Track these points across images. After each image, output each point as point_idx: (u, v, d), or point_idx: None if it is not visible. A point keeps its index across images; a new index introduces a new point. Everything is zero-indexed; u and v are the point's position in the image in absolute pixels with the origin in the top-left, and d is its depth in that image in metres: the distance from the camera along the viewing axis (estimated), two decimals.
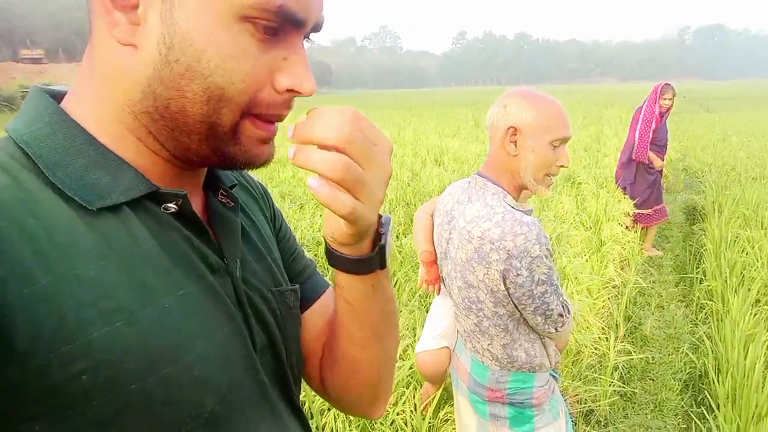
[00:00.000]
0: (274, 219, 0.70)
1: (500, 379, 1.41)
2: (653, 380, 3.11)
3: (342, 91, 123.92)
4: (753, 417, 2.38)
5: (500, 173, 1.38)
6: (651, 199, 5.29)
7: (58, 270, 0.39)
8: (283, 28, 0.47)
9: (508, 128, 1.32)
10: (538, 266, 1.25)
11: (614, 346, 3.07)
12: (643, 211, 5.28)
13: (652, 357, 3.32)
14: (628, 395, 2.93)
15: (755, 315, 3.30)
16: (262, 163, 0.52)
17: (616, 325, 3.46)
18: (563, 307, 1.34)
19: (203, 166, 0.54)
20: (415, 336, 2.95)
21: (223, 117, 0.47)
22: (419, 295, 3.44)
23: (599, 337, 3.17)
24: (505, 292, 1.29)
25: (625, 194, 5.46)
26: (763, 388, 2.51)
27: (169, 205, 0.49)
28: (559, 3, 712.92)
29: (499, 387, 1.41)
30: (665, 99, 4.98)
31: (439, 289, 1.59)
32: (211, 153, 0.49)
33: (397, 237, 4.81)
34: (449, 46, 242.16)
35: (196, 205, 0.54)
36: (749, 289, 3.68)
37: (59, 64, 56.49)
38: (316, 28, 0.51)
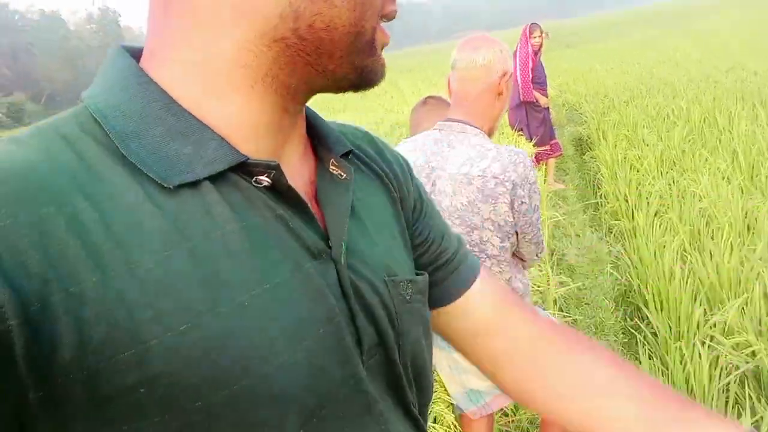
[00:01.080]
0: (409, 198, 0.59)
1: None
2: (588, 305, 3.30)
3: None
4: (681, 315, 2.60)
5: (478, 117, 1.42)
6: (545, 136, 5.56)
7: (111, 264, 0.33)
8: None
9: (507, 72, 1.40)
10: (535, 192, 1.35)
11: (552, 281, 3.22)
12: (542, 149, 5.55)
13: (583, 283, 3.52)
14: (570, 323, 3.10)
15: (661, 225, 3.60)
16: (383, 74, 0.47)
17: (547, 260, 3.63)
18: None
19: (325, 90, 0.46)
20: None
21: (367, 24, 0.43)
22: None
23: (538, 274, 3.31)
24: (512, 223, 1.36)
25: (522, 135, 5.71)
26: (684, 287, 2.74)
27: (261, 178, 0.41)
28: None
29: None
30: (534, 38, 5.24)
31: None
32: (350, 69, 0.44)
33: None
34: None
35: (304, 174, 0.48)
36: (648, 203, 4.00)
37: None
38: None
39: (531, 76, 5.30)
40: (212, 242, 0.37)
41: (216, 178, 0.39)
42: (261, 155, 0.42)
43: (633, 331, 2.83)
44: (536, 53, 5.31)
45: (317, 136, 0.51)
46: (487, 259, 1.42)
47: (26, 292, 0.30)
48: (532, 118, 5.56)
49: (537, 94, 5.40)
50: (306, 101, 0.47)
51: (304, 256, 0.42)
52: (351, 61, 0.44)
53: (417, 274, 0.55)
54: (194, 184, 0.38)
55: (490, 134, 1.45)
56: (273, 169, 0.41)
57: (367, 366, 0.45)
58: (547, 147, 5.60)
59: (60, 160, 0.36)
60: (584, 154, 6.53)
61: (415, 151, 1.48)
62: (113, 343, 0.32)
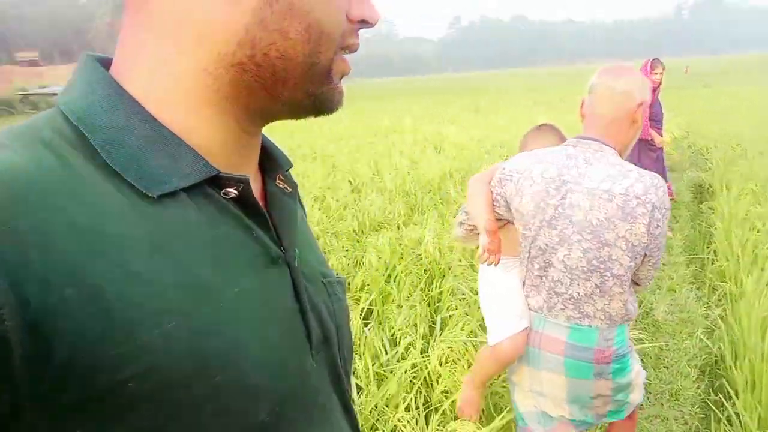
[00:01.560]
0: (303, 208, 0.66)
1: (608, 337, 1.50)
2: (668, 368, 3.01)
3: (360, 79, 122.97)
4: None
5: (613, 139, 1.50)
6: None
7: (105, 266, 0.35)
8: None
9: (644, 102, 1.48)
10: (666, 218, 1.41)
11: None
12: None
13: (666, 344, 3.21)
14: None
15: None
16: (342, 102, 0.51)
17: None
18: None
19: (282, 116, 0.50)
20: (417, 332, 2.85)
21: (323, 55, 0.46)
22: (420, 289, 3.34)
23: None
24: (644, 245, 1.40)
25: None
26: None
27: (230, 190, 0.45)
28: None
29: (607, 345, 1.49)
30: (655, 74, 4.97)
31: (498, 260, 1.54)
32: (304, 96, 0.47)
33: (398, 227, 4.71)
34: (445, 31, 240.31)
35: (256, 187, 0.51)
36: (762, 269, 3.57)
37: (56, 66, 56.22)
38: None
39: (649, 113, 4.97)
40: (191, 249, 0.40)
41: (190, 189, 0.42)
42: (229, 169, 0.45)
43: (713, 407, 2.52)
44: (655, 90, 4.99)
45: (265, 152, 0.55)
46: (611, 278, 1.44)
47: (25, 294, 0.31)
48: (645, 156, 5.21)
49: (653, 133, 5.05)
50: (265, 124, 0.50)
51: (265, 261, 0.47)
52: (305, 89, 0.47)
53: (339, 275, 0.61)
54: (172, 194, 0.41)
55: None
56: (242, 183, 0.45)
57: (315, 360, 0.51)
58: None
59: (46, 165, 0.37)
60: (701, 203, 5.98)
61: (542, 163, 1.52)
62: (108, 341, 0.34)
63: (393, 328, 2.96)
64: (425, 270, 3.75)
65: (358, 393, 2.41)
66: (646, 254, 1.43)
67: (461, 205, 1.95)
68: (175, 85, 0.43)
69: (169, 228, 0.40)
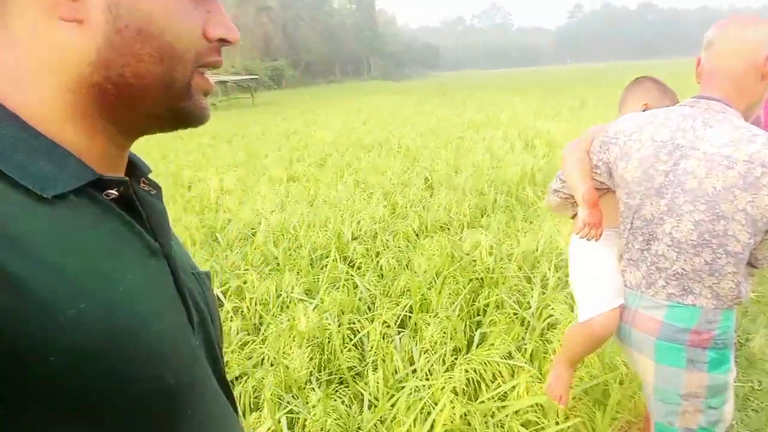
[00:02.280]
0: None
1: (711, 319, 1.36)
2: (757, 412, 2.56)
3: (449, 72, 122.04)
4: None
5: (734, 99, 1.34)
6: None
7: (19, 257, 0.39)
8: None
9: None
10: None
11: None
12: None
13: (759, 383, 2.74)
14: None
15: None
16: (207, 115, 0.55)
17: None
18: None
19: (150, 130, 0.55)
20: (447, 346, 2.65)
21: (178, 75, 0.50)
22: (463, 299, 3.11)
23: None
24: (766, 223, 1.26)
25: None
26: None
27: (111, 191, 0.50)
28: None
29: (708, 328, 1.36)
30: None
31: (600, 234, 1.44)
32: (166, 112, 0.52)
33: (461, 229, 4.47)
34: (564, 20, 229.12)
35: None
36: None
37: None
38: None
39: None
40: (88, 242, 0.45)
41: (77, 191, 0.46)
42: (107, 173, 0.50)
43: None
44: None
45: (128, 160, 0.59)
46: (725, 255, 1.30)
47: None
48: None
49: None
50: (135, 138, 0.55)
51: (147, 253, 0.52)
52: (165, 104, 0.51)
53: (205, 270, 0.68)
54: (62, 196, 0.45)
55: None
56: (122, 185, 0.51)
57: (197, 339, 0.57)
58: None
59: None
60: None
61: (653, 124, 1.39)
62: (29, 321, 0.38)
63: (424, 339, 2.78)
64: (475, 278, 3.51)
65: (369, 408, 2.28)
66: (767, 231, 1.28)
67: (550, 184, 1.80)
68: (46, 102, 0.47)
69: (66, 224, 0.44)
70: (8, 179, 0.42)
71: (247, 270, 3.72)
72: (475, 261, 3.73)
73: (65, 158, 0.46)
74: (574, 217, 1.78)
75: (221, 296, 3.39)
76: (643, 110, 1.63)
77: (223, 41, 0.53)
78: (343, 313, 3.07)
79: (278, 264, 3.88)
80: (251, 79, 33.15)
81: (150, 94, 0.49)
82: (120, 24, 0.46)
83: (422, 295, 3.20)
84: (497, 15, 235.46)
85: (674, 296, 1.37)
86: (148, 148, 10.64)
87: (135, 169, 0.59)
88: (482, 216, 4.90)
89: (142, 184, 0.59)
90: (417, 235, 4.45)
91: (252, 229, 4.72)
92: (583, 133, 1.60)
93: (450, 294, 3.25)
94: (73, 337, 0.40)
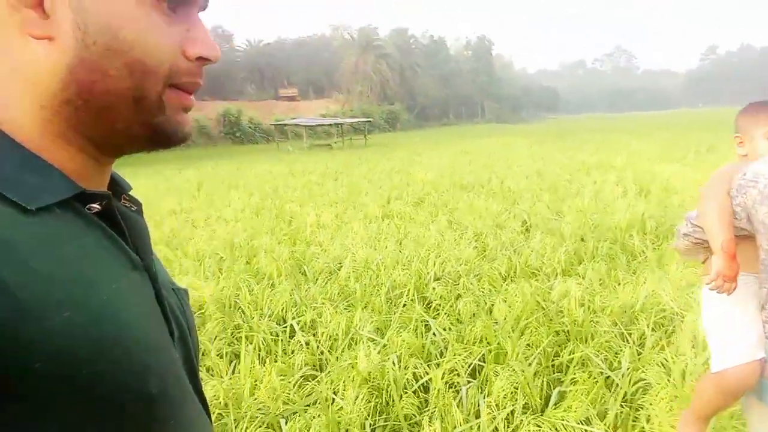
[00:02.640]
0: None
1: None
2: None
3: (569, 115, 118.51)
4: None
5: None
6: None
7: (9, 264, 0.40)
8: (181, 4, 0.51)
9: None
10: None
11: None
12: None
13: None
14: None
15: None
16: (186, 132, 0.55)
17: None
18: None
19: (128, 148, 0.55)
20: (517, 404, 2.39)
21: (148, 89, 0.50)
22: (542, 352, 2.83)
23: None
24: None
25: None
26: None
27: (94, 205, 0.51)
28: None
29: None
30: None
31: (734, 288, 1.36)
32: (140, 128, 0.52)
33: (553, 276, 4.15)
34: (696, 62, 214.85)
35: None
36: None
37: (309, 101, 65.06)
38: (204, 5, 0.56)
39: None
40: (72, 253, 0.46)
41: (61, 205, 0.47)
42: (87, 185, 0.51)
43: None
44: None
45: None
46: None
47: None
48: None
49: None
50: (115, 155, 0.56)
51: (128, 266, 0.52)
52: (138, 120, 0.51)
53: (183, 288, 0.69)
54: (47, 209, 0.46)
55: None
56: (106, 198, 0.52)
57: (177, 352, 0.57)
58: None
59: None
60: None
61: None
62: (16, 326, 0.38)
63: (493, 392, 2.55)
64: (561, 331, 3.21)
65: None
66: None
67: (677, 227, 1.71)
68: (26, 119, 0.48)
69: (51, 235, 0.45)
70: None
71: (323, 303, 3.70)
72: (562, 312, 3.42)
73: (50, 171, 0.48)
74: (705, 261, 1.65)
75: (295, 326, 3.39)
76: (738, 144, 1.56)
77: (203, 59, 0.53)
78: (410, 357, 2.92)
79: (354, 300, 3.82)
80: (365, 121, 34.47)
81: (120, 110, 0.50)
82: (88, 40, 0.46)
83: (498, 343, 2.97)
84: (621, 58, 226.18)
85: None
86: (259, 183, 11.29)
87: (116, 185, 0.61)
88: (579, 263, 4.53)
89: (122, 200, 0.60)
90: (504, 279, 4.20)
91: (338, 264, 4.73)
92: (719, 173, 1.47)
93: (528, 345, 2.98)
94: (59, 344, 0.41)
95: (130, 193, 0.63)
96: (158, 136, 0.54)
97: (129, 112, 0.50)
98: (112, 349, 0.44)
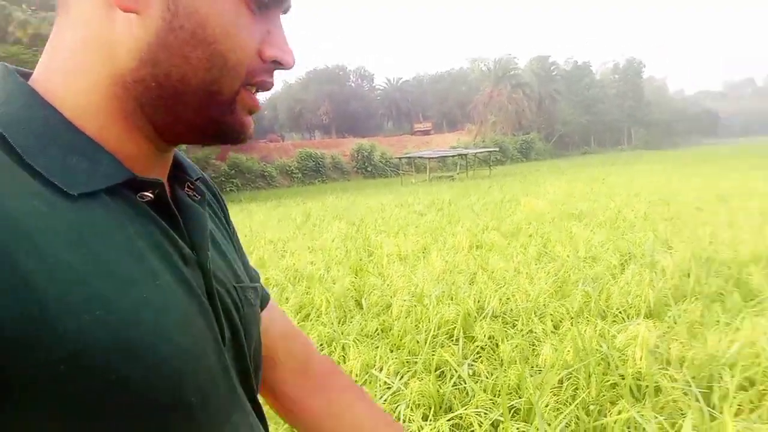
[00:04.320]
0: (228, 221, 0.70)
1: None
2: None
3: (731, 139, 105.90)
4: None
5: None
6: None
7: (33, 256, 0.37)
8: (267, 4, 0.50)
9: None
10: None
11: None
12: None
13: None
14: None
15: None
16: (248, 135, 0.53)
17: None
18: None
19: (189, 138, 0.53)
20: None
21: (224, 86, 0.48)
22: (583, 410, 2.31)
23: None
24: None
25: None
26: None
27: (146, 193, 0.48)
28: None
29: None
30: None
31: None
32: (206, 122, 0.50)
33: (633, 315, 3.49)
34: None
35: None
36: None
37: (442, 134, 65.61)
38: (287, 8, 0.53)
39: None
40: (113, 244, 0.43)
41: (110, 191, 0.45)
42: (145, 175, 0.49)
43: None
44: None
45: (174, 162, 0.57)
46: None
47: None
48: None
49: None
50: (174, 145, 0.53)
51: (179, 260, 0.49)
52: (208, 114, 0.49)
53: (254, 283, 0.66)
54: (93, 194, 0.43)
55: None
56: (157, 186, 0.49)
57: (227, 356, 0.53)
58: None
59: None
60: None
61: None
62: (39, 324, 0.36)
63: None
64: (617, 383, 2.63)
65: None
66: None
67: None
68: (89, 95, 0.46)
69: (91, 224, 0.42)
70: (38, 174, 0.41)
71: (357, 339, 3.45)
72: (625, 360, 2.82)
73: (100, 155, 0.45)
74: None
75: None
76: None
77: (277, 64, 0.51)
78: (417, 406, 2.56)
79: (391, 335, 3.52)
80: (490, 151, 33.86)
81: (193, 100, 0.48)
82: (176, 23, 0.45)
83: (528, 397, 2.50)
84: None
85: None
86: (364, 213, 11.35)
87: (181, 172, 0.58)
88: (676, 303, 3.78)
89: (186, 189, 0.57)
90: (573, 318, 3.63)
91: (395, 296, 4.46)
92: None
93: (564, 401, 2.47)
94: (83, 346, 0.38)
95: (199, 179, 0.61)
96: (222, 133, 0.52)
97: (200, 105, 0.48)
98: (145, 354, 0.41)
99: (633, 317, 3.55)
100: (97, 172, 0.44)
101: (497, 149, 39.70)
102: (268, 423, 0.63)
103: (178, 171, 0.58)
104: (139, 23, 0.44)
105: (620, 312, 3.69)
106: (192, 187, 0.58)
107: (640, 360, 2.74)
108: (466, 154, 30.17)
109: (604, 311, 3.70)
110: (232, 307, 0.56)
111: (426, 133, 64.66)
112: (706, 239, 5.47)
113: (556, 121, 70.31)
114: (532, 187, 15.32)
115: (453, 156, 30.41)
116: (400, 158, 32.92)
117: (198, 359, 0.47)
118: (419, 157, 29.16)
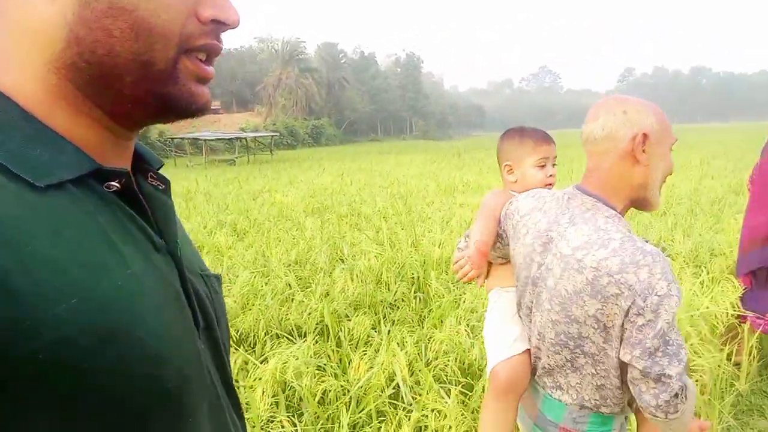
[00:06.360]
0: None
1: (578, 419, 1.30)
2: None
3: (495, 133, 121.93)
4: None
5: (615, 191, 1.24)
6: None
7: (10, 247, 0.37)
8: None
9: (637, 135, 1.20)
10: (666, 310, 1.08)
11: None
12: None
13: None
14: None
15: None
16: (202, 104, 0.51)
17: None
18: (682, 386, 1.11)
19: (141, 119, 0.51)
20: None
21: (157, 54, 0.46)
22: None
23: None
24: (619, 331, 1.15)
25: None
26: None
27: (112, 183, 0.48)
28: (744, 32, 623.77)
29: (575, 428, 1.30)
30: None
31: (474, 277, 1.45)
32: (149, 97, 0.48)
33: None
34: (614, 83, 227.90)
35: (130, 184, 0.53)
36: None
37: (231, 114, 62.98)
38: None
39: None
40: (85, 233, 0.43)
41: (75, 181, 0.44)
42: (109, 164, 0.48)
43: None
44: None
45: (134, 153, 0.57)
46: (582, 356, 1.22)
47: None
48: None
49: None
50: (132, 126, 0.52)
51: (150, 248, 0.49)
52: (146, 87, 0.47)
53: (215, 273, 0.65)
54: (59, 186, 0.43)
55: (639, 205, 1.27)
56: (123, 176, 0.48)
57: (202, 341, 0.54)
58: None
59: None
60: None
61: (540, 210, 1.34)
62: (16, 314, 0.36)
63: None
64: None
65: None
66: (630, 351, 1.13)
67: (465, 232, 1.61)
68: (33, 84, 0.45)
69: (60, 215, 0.42)
70: (4, 168, 0.40)
71: None
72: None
73: (63, 145, 0.45)
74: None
75: None
76: (507, 171, 1.58)
77: (219, 23, 0.49)
78: None
79: None
80: (270, 135, 33.45)
81: (126, 74, 0.46)
82: None
83: None
84: (546, 77, 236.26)
85: (547, 387, 1.34)
86: None
87: (142, 162, 0.57)
88: (356, 312, 3.65)
89: (149, 179, 0.56)
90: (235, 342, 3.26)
91: None
92: (496, 194, 1.55)
93: None
94: (63, 334, 0.38)
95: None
96: (170, 107, 0.50)
97: (135, 77, 0.46)
98: (122, 340, 0.41)
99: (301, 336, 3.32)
100: (61, 164, 0.43)
101: (277, 134, 39.28)
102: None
103: (139, 161, 0.56)
104: (56, 3, 0.43)
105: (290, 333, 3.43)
106: (155, 176, 0.57)
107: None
108: (246, 138, 29.10)
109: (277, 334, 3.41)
110: (203, 294, 0.57)
111: (215, 112, 61.41)
112: (423, 238, 5.64)
113: (346, 107, 72.64)
114: (301, 175, 15.16)
115: (231, 139, 29.04)
116: (172, 137, 30.40)
117: (175, 346, 0.46)
118: (196, 139, 27.23)
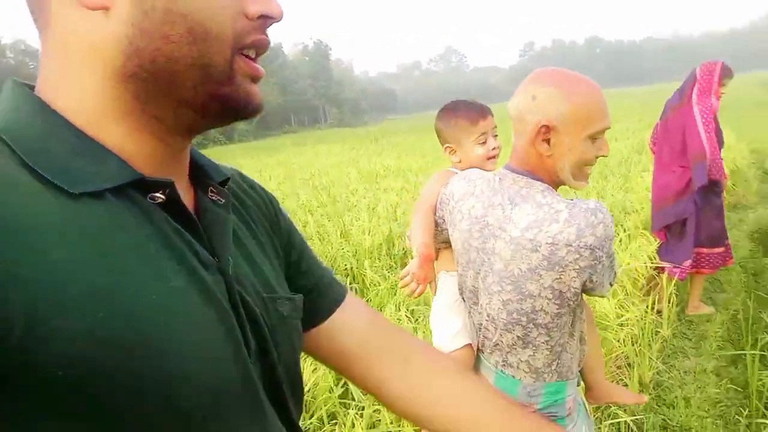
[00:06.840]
0: (279, 228, 0.67)
1: (532, 393, 1.31)
2: None
3: (407, 115, 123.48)
4: None
5: (535, 169, 1.23)
6: (722, 233, 3.45)
7: (31, 254, 0.36)
8: None
9: (540, 126, 1.17)
10: (611, 248, 1.18)
11: None
12: (715, 250, 3.44)
13: None
14: None
15: None
16: (257, 104, 0.51)
17: None
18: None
19: (198, 124, 0.50)
20: None
21: (215, 56, 0.46)
22: None
23: None
24: (576, 291, 1.19)
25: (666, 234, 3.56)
26: None
27: (156, 194, 0.47)
28: (631, 1, 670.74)
29: (530, 401, 1.30)
30: (725, 87, 3.24)
31: (423, 291, 1.38)
32: (210, 99, 0.48)
33: None
34: (517, 58, 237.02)
35: (185, 198, 0.51)
36: None
37: None
38: None
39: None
40: (119, 244, 0.41)
41: (116, 191, 0.44)
42: (156, 173, 0.47)
43: None
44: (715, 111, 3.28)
45: (195, 166, 0.56)
46: (535, 328, 1.24)
47: None
48: (710, 207, 3.38)
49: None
50: (187, 135, 0.51)
51: (197, 265, 0.47)
52: (207, 90, 0.47)
53: (293, 294, 0.62)
54: (98, 194, 0.42)
55: (559, 185, 1.25)
56: (168, 186, 0.47)
57: (254, 369, 0.51)
58: (722, 249, 3.46)
59: None
60: None
61: (474, 195, 1.32)
62: (36, 324, 0.35)
63: None
64: None
65: None
66: (586, 289, 1.20)
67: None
68: (88, 100, 0.45)
69: (94, 223, 0.41)
70: (39, 176, 0.40)
71: None
72: None
73: (106, 156, 0.45)
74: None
75: None
76: (449, 152, 1.56)
77: (266, 18, 0.49)
78: None
79: None
80: None
81: (186, 79, 0.46)
82: (146, 6, 0.43)
83: None
84: (453, 57, 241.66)
85: (498, 364, 1.35)
86: None
87: (203, 175, 0.56)
88: None
89: (210, 193, 0.55)
90: None
91: None
92: (430, 186, 1.53)
93: None
94: (84, 350, 0.37)
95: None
96: (228, 108, 0.50)
97: (195, 82, 0.46)
98: (148, 357, 0.40)
99: None
100: (102, 173, 0.43)
101: None
102: None
103: (200, 174, 0.56)
104: (113, 17, 0.43)
105: None
106: (215, 190, 0.56)
107: None
108: None
109: None
110: (260, 317, 0.54)
111: None
112: (352, 227, 5.56)
113: None
114: None
115: None
116: None
117: (212, 367, 0.45)
118: None
